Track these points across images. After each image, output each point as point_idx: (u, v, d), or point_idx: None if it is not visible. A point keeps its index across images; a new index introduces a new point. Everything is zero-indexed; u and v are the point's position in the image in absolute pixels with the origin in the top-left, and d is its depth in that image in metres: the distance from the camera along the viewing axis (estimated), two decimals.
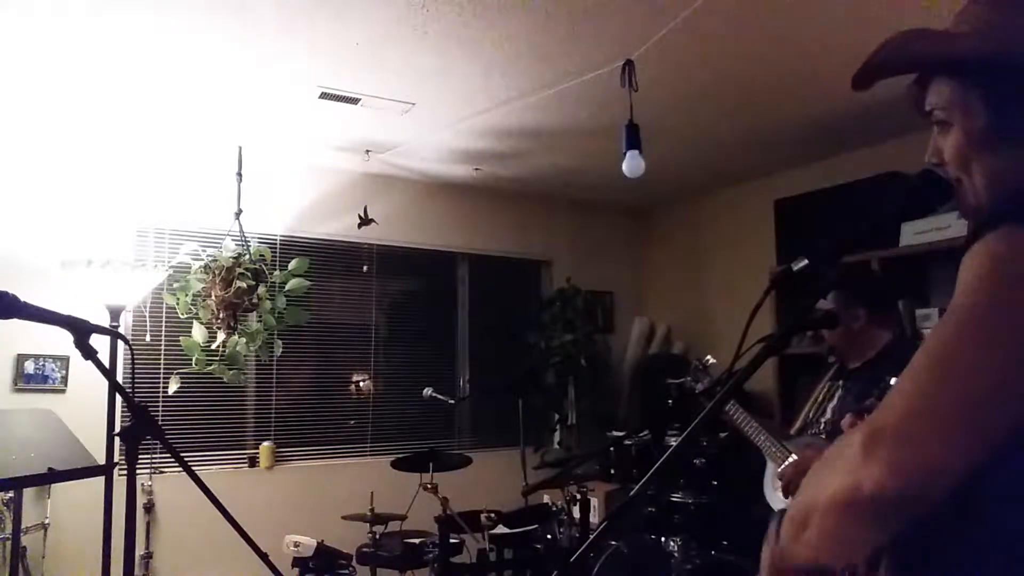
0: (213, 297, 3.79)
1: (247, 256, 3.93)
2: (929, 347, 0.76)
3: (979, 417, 0.71)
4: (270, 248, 4.18)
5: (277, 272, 4.09)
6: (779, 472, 2.47)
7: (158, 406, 3.97)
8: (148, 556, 3.85)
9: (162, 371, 4.00)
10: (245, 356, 3.98)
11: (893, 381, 1.94)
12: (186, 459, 1.64)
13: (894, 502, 0.71)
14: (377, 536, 3.46)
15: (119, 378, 3.69)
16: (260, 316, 3.97)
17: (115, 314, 3.40)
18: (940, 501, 0.71)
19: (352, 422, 4.62)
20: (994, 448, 0.70)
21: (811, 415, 2.54)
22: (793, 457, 2.45)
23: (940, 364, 0.74)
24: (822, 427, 2.44)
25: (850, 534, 0.76)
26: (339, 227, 4.57)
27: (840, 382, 2.47)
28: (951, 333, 0.75)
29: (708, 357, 3.07)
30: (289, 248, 4.44)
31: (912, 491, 0.70)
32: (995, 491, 0.76)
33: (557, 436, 5.08)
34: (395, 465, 3.54)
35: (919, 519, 0.72)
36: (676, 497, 3.69)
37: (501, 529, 3.43)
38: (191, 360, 3.85)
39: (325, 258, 4.59)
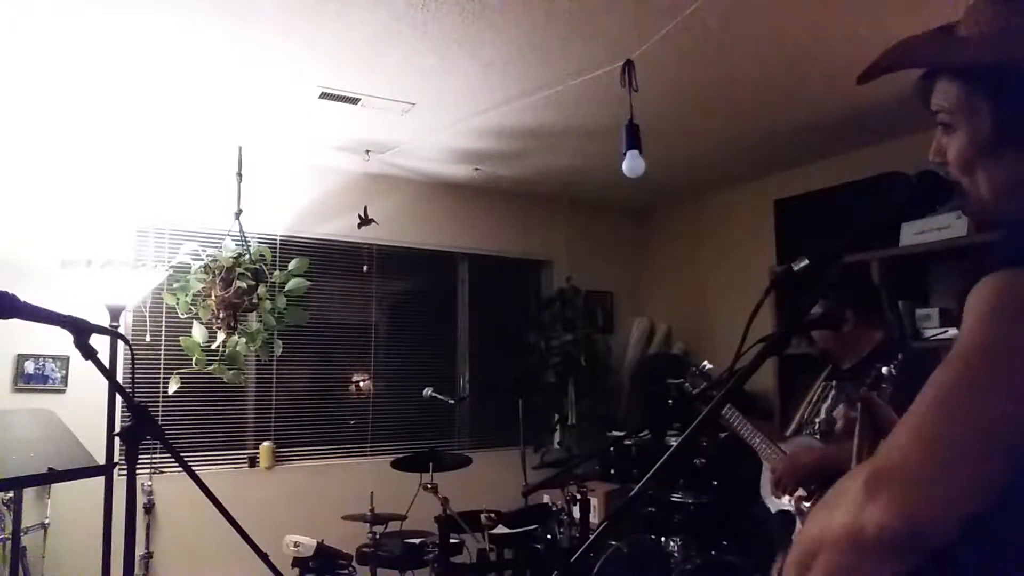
0: (213, 297, 3.79)
1: (247, 256, 3.93)
2: (933, 387, 0.75)
3: (984, 456, 0.70)
4: (270, 248, 4.17)
5: (277, 272, 4.09)
6: (772, 468, 2.48)
7: (158, 406, 3.97)
8: (148, 556, 3.85)
9: (162, 371, 4.01)
10: (245, 356, 3.98)
11: (884, 371, 1.94)
12: (186, 459, 1.64)
13: (898, 544, 0.70)
14: (377, 536, 3.45)
15: (119, 378, 3.69)
16: (260, 316, 3.97)
17: (115, 314, 3.40)
18: (953, 538, 0.69)
19: (352, 422, 4.62)
20: (1002, 486, 0.69)
21: (805, 416, 2.55)
22: None
23: (944, 404, 0.73)
24: (816, 427, 2.44)
25: (855, 573, 0.74)
26: (339, 227, 4.57)
27: (833, 382, 2.48)
28: (955, 372, 0.74)
29: (705, 363, 3.08)
30: (289, 248, 4.44)
31: (916, 533, 0.69)
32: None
33: (557, 436, 5.08)
34: (395, 465, 3.55)
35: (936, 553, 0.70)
36: (676, 497, 3.69)
37: (501, 529, 3.43)
38: (191, 360, 3.85)
39: (325, 258, 4.59)
